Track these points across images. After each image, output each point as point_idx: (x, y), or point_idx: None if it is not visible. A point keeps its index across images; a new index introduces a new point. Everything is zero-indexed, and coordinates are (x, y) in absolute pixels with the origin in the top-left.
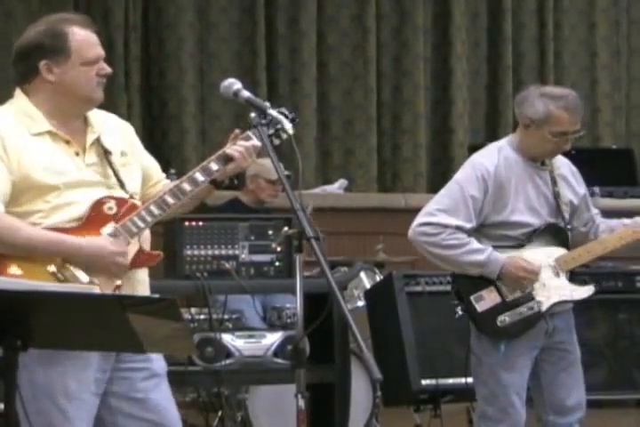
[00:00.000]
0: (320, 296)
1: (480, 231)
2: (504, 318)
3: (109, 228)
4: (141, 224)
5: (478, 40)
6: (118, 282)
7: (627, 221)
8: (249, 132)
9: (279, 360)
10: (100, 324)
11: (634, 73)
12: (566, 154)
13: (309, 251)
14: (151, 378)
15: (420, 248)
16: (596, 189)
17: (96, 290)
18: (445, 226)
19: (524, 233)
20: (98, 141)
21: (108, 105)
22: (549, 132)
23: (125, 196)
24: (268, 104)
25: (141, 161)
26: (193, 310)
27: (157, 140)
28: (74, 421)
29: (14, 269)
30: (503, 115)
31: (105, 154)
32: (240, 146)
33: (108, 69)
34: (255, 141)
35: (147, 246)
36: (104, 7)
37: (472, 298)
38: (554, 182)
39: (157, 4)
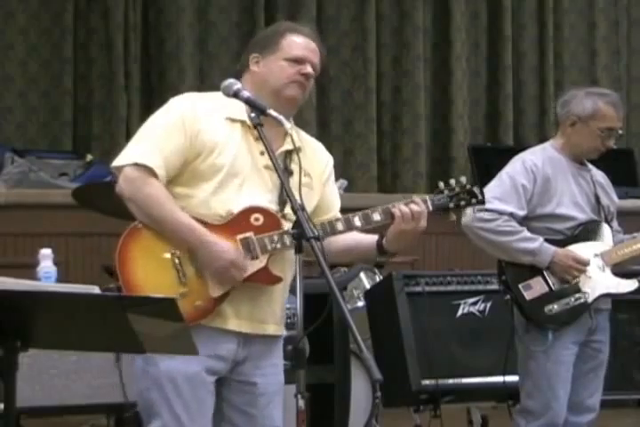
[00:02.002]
0: (320, 297)
1: (525, 224)
2: (552, 307)
3: (247, 237)
4: (278, 245)
5: (478, 40)
6: (223, 291)
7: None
8: (427, 198)
9: None
10: (100, 324)
11: (634, 73)
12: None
13: (309, 251)
14: (266, 395)
15: (472, 234)
16: None
17: (96, 290)
18: (501, 213)
19: (569, 227)
20: (289, 155)
21: (108, 105)
22: (597, 127)
23: (278, 213)
24: (266, 104)
25: (323, 193)
26: None
27: None
28: (181, 414)
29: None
30: (503, 115)
31: (286, 170)
32: (407, 207)
33: (309, 70)
34: (424, 208)
35: (283, 269)
36: (104, 7)
37: (520, 287)
38: (594, 185)
39: (157, 4)
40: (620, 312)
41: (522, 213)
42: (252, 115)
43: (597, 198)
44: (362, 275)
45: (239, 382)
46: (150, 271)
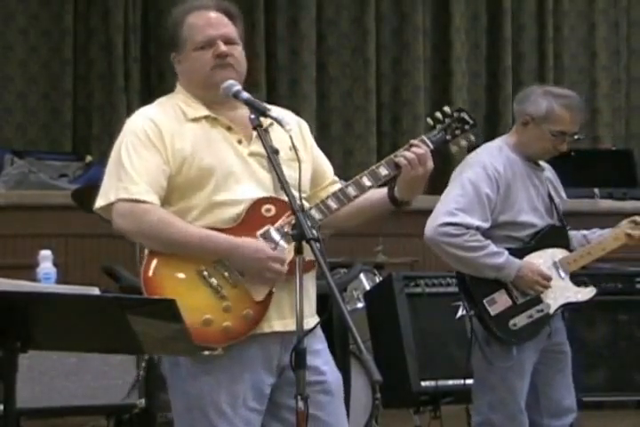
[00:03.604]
0: (320, 297)
1: (486, 233)
2: (516, 321)
3: (266, 230)
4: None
5: (478, 41)
6: (266, 292)
7: (597, 230)
8: (424, 137)
9: None
10: (99, 325)
11: (633, 74)
12: (566, 155)
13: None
14: (325, 393)
15: (437, 248)
16: (596, 191)
17: (96, 291)
18: (468, 226)
19: (529, 234)
20: (266, 133)
21: (108, 106)
22: (549, 130)
23: (285, 198)
24: (267, 106)
25: (313, 160)
26: None
27: None
28: None
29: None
30: (503, 116)
31: (271, 150)
32: (410, 152)
33: (222, 49)
34: (426, 148)
35: (310, 252)
36: (104, 8)
37: (485, 302)
38: (546, 184)
39: (157, 5)
40: (618, 313)
41: (486, 224)
42: (252, 116)
43: (551, 198)
44: (362, 276)
45: (290, 384)
46: (184, 297)
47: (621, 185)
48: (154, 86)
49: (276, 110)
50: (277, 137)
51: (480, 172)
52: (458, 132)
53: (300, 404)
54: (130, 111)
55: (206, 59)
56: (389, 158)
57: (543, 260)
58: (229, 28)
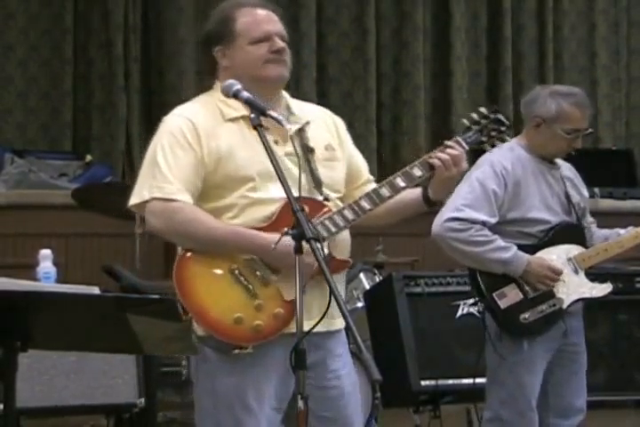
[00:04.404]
0: None
1: (497, 229)
2: (527, 315)
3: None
4: (333, 229)
5: (478, 41)
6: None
7: (621, 231)
8: (459, 138)
9: None
10: (99, 325)
11: (633, 74)
12: (567, 155)
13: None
14: (342, 397)
15: (443, 244)
16: (596, 190)
17: (96, 291)
18: (473, 222)
19: (542, 230)
20: (301, 133)
21: (108, 105)
22: (562, 129)
23: (319, 197)
24: (267, 106)
25: (349, 158)
26: None
27: None
28: None
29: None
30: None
31: (306, 149)
32: (445, 153)
33: (279, 45)
34: (461, 150)
35: (344, 252)
36: (104, 8)
37: (494, 295)
38: (563, 183)
39: (157, 5)
40: (619, 313)
41: (493, 220)
42: (252, 116)
43: (568, 197)
44: (361, 275)
45: (309, 386)
46: (216, 295)
47: (621, 185)
48: (154, 86)
49: (308, 106)
50: (314, 136)
51: (488, 170)
52: (494, 133)
53: (300, 403)
54: (130, 111)
55: (261, 52)
56: (423, 159)
57: (557, 255)
58: (281, 27)
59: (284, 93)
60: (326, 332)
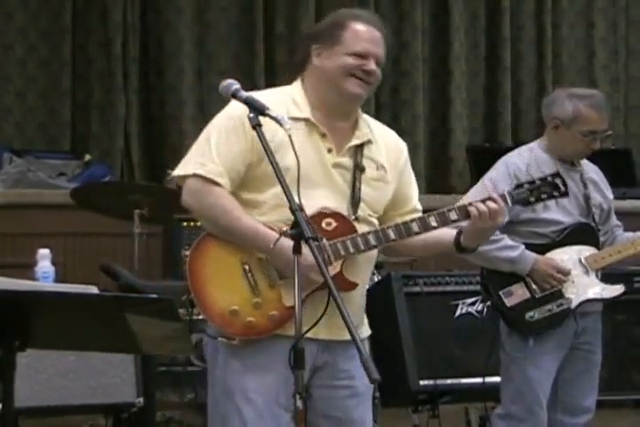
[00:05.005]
0: None
1: (510, 228)
2: (533, 314)
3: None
4: (351, 250)
5: (477, 41)
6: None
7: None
8: (506, 193)
9: None
10: (98, 324)
11: (632, 73)
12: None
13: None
14: (353, 397)
15: None
16: None
17: (94, 290)
18: None
19: (555, 231)
20: (359, 149)
21: (107, 105)
22: (579, 131)
23: (351, 216)
24: (266, 105)
25: (400, 184)
26: (189, 310)
27: (156, 141)
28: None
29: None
30: (501, 115)
31: (357, 166)
32: (485, 205)
33: (372, 67)
34: (502, 204)
35: (357, 274)
36: (102, 7)
37: (501, 293)
38: (584, 185)
39: (156, 5)
40: (617, 313)
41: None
42: (251, 115)
43: (587, 199)
44: None
45: (320, 387)
46: (222, 282)
47: (620, 184)
48: (152, 85)
49: (378, 126)
50: (372, 156)
51: (502, 170)
52: (544, 196)
53: (299, 403)
54: (128, 110)
55: (352, 64)
56: (463, 205)
57: (568, 256)
58: (382, 51)
59: (359, 111)
60: (335, 341)
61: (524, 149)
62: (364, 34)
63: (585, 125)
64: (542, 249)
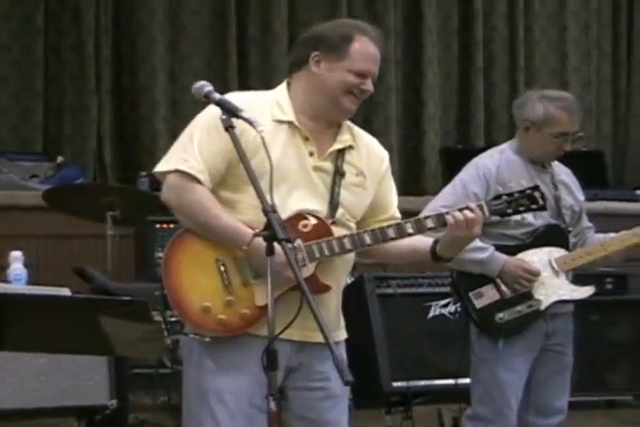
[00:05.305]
0: None
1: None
2: (503, 315)
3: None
4: (326, 252)
5: (449, 42)
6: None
7: (612, 235)
8: (483, 203)
9: None
10: (71, 326)
11: (603, 76)
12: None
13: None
14: (329, 399)
15: None
16: None
17: (67, 292)
18: None
19: (525, 233)
20: (340, 154)
21: (79, 106)
22: (550, 133)
23: (328, 219)
24: (239, 107)
25: (379, 192)
26: (164, 312)
27: (128, 142)
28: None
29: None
30: (474, 117)
31: (338, 172)
32: (462, 214)
33: (369, 88)
34: (479, 214)
35: (331, 276)
36: (75, 9)
37: (471, 295)
38: (555, 187)
39: (129, 6)
40: (589, 314)
41: None
42: (224, 117)
43: (557, 200)
44: None
45: (294, 388)
46: (196, 279)
47: (592, 186)
48: (125, 87)
49: (362, 135)
50: (353, 162)
51: (472, 171)
52: (522, 208)
53: (272, 404)
54: (101, 112)
55: (352, 82)
56: (440, 213)
57: (538, 257)
58: (377, 69)
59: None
60: (308, 342)
61: (495, 151)
62: (369, 53)
63: (556, 127)
64: (513, 251)
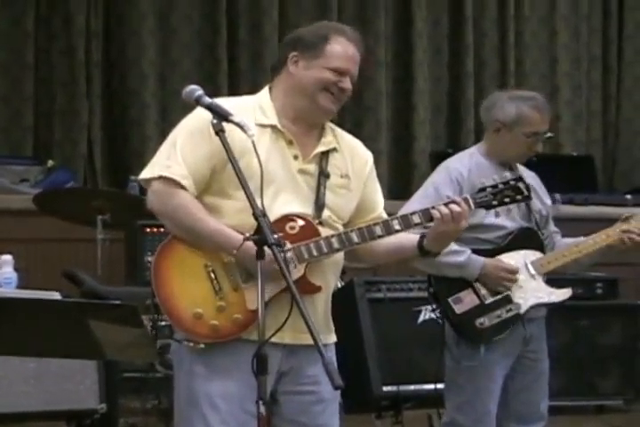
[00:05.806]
0: None
1: None
2: (483, 320)
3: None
4: (315, 253)
5: (440, 47)
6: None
7: (583, 238)
8: (468, 196)
9: None
10: (61, 330)
11: (594, 80)
12: (527, 161)
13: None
14: (319, 402)
15: None
16: (557, 196)
17: (56, 296)
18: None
19: (499, 236)
20: (324, 156)
21: (70, 112)
22: (522, 132)
23: (315, 220)
24: (230, 111)
25: (365, 193)
26: (154, 316)
27: (119, 146)
28: None
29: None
30: (465, 121)
31: (322, 173)
32: (447, 208)
33: (347, 85)
34: (465, 208)
35: (321, 277)
36: (65, 13)
37: (450, 300)
38: None
39: (119, 11)
40: (579, 319)
41: None
42: (215, 121)
43: (528, 204)
44: None
45: (285, 392)
46: (186, 286)
47: (582, 191)
48: (115, 91)
49: (346, 137)
50: (337, 164)
51: (444, 175)
52: (507, 200)
53: (262, 409)
54: (91, 116)
55: (329, 79)
56: (426, 209)
57: (514, 261)
58: (356, 69)
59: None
60: (299, 345)
61: (464, 155)
62: (346, 52)
63: (528, 127)
64: (488, 255)
